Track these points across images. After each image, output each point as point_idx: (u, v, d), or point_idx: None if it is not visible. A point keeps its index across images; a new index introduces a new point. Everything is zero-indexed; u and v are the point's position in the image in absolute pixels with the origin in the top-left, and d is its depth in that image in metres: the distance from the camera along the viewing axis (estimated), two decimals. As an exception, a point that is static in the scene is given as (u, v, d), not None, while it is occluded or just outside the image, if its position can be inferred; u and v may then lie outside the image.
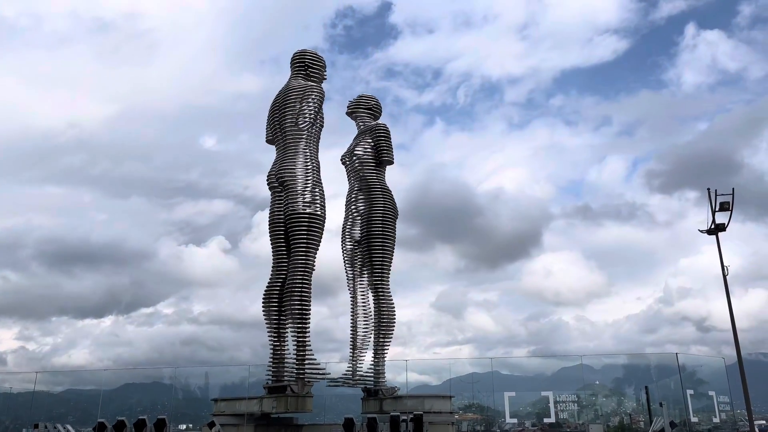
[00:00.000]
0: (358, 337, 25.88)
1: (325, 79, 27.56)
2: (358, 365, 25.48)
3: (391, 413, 20.83)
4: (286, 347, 24.22)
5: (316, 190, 24.51)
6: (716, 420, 21.46)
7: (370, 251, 26.45)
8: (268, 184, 25.81)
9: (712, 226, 32.70)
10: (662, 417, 21.09)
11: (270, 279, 25.04)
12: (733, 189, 32.84)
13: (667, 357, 22.62)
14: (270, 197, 25.80)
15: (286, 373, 23.44)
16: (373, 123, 28.45)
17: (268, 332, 24.70)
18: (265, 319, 24.75)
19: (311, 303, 23.79)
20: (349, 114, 29.24)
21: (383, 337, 25.63)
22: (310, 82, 26.32)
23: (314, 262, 24.41)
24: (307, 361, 23.30)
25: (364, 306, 26.22)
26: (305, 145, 25.13)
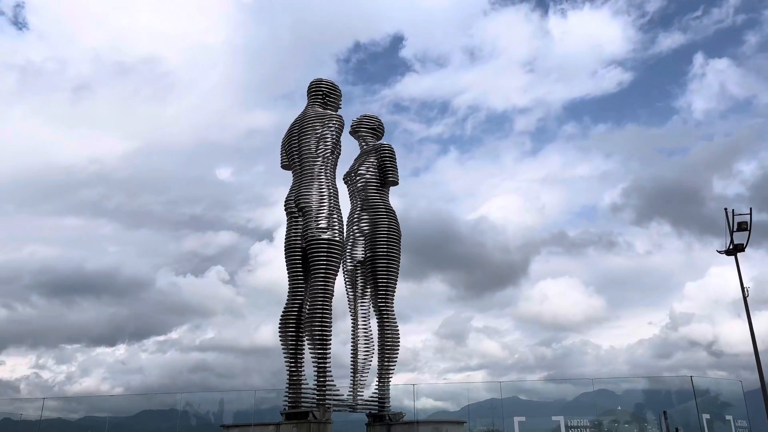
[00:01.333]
0: (359, 360, 25.69)
1: (341, 108, 28.17)
2: (359, 390, 25.29)
3: (400, 439, 20.64)
4: (303, 373, 24.38)
5: (335, 215, 24.69)
6: (735, 445, 20.83)
7: (375, 272, 26.35)
8: (285, 209, 26.13)
9: (731, 247, 32.17)
10: (679, 443, 20.55)
11: (286, 304, 25.23)
12: (750, 209, 32.36)
13: (684, 381, 22.08)
14: (286, 222, 26.12)
15: (304, 399, 23.55)
16: (378, 143, 28.61)
17: (285, 358, 24.71)
18: (282, 345, 24.87)
19: (332, 329, 23.93)
20: (351, 133, 29.29)
21: (388, 360, 25.39)
22: (328, 110, 26.83)
23: (333, 287, 24.58)
24: (327, 388, 23.36)
25: (365, 328, 26.09)
26: (324, 171, 25.39)
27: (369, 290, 26.84)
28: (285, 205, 26.17)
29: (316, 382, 23.32)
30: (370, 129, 29.13)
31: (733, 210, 32.04)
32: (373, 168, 27.65)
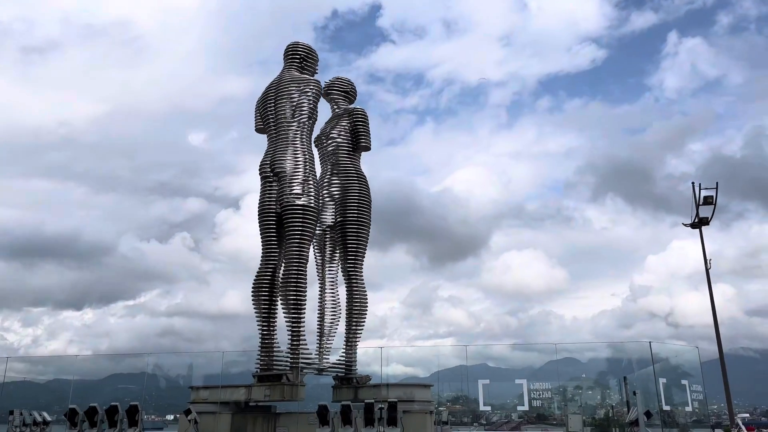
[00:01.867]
0: (325, 324, 25.89)
1: (317, 72, 27.70)
2: (325, 353, 25.56)
3: (366, 401, 20.95)
4: (275, 337, 24.56)
5: (310, 181, 24.73)
6: (689, 409, 21.56)
7: (345, 237, 26.33)
8: (260, 173, 25.88)
9: (696, 220, 32.76)
10: (637, 406, 21.19)
11: (259, 269, 25.21)
12: (717, 183, 32.90)
13: (643, 348, 22.65)
14: (261, 186, 25.90)
15: (276, 362, 23.74)
16: (351, 107, 28.27)
17: (257, 321, 24.93)
18: (255, 309, 24.95)
19: (306, 293, 24.21)
20: (323, 96, 28.56)
21: (355, 325, 25.65)
22: (305, 75, 26.52)
23: (308, 253, 24.76)
24: (300, 351, 23.70)
25: (332, 293, 26.25)
26: (300, 137, 25.29)
27: (338, 255, 26.87)
28: (260, 170, 25.91)
29: (289, 346, 23.52)
30: (342, 92, 28.71)
31: (700, 184, 32.55)
32: (345, 132, 27.30)
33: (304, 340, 24.17)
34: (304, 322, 24.15)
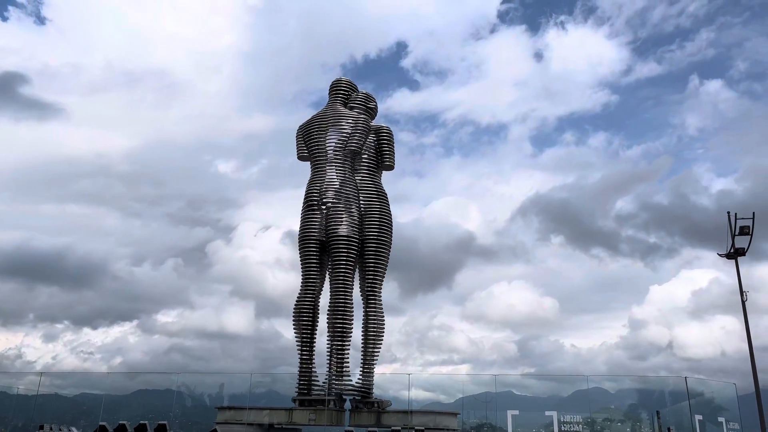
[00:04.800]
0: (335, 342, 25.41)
1: (370, 111, 29.03)
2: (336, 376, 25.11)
3: (392, 427, 20.71)
4: (314, 361, 25.08)
5: (354, 213, 25.86)
6: (726, 447, 20.83)
7: (365, 257, 25.98)
8: (306, 201, 26.61)
9: (732, 250, 32.04)
10: (671, 442, 20.58)
11: (300, 295, 25.96)
12: (753, 213, 32.22)
13: (678, 381, 22.07)
14: (303, 213, 26.68)
15: (319, 387, 24.62)
16: (376, 125, 28.35)
17: (297, 346, 25.57)
18: (296, 333, 25.67)
19: (353, 321, 25.20)
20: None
21: (372, 347, 25.23)
22: (354, 111, 27.70)
23: (353, 281, 25.65)
24: (344, 378, 24.52)
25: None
26: (351, 170, 26.47)
27: (356, 275, 26.56)
28: (307, 198, 26.69)
29: (336, 372, 24.15)
30: (365, 108, 28.77)
31: (736, 214, 31.88)
32: (369, 149, 27.17)
33: (348, 366, 24.69)
34: (348, 349, 24.79)
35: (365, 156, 27.08)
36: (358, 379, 25.07)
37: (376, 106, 29.02)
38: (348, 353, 24.77)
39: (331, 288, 25.38)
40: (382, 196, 26.90)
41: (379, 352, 25.49)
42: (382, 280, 26.20)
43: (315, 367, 25.30)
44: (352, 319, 25.10)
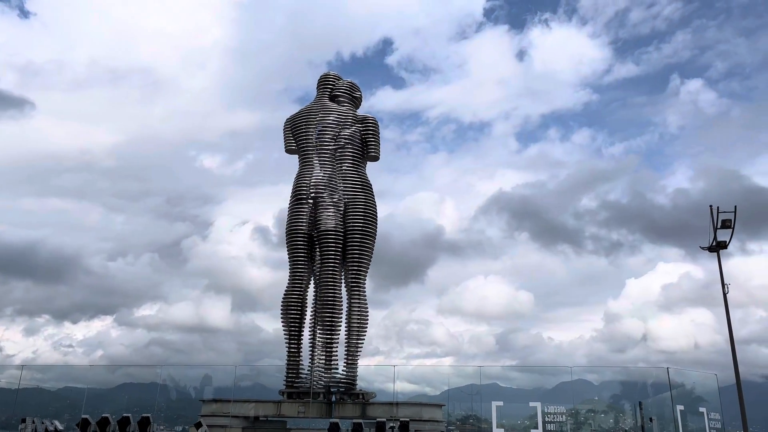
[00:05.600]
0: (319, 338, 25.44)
1: (355, 104, 29.11)
2: (317, 367, 25.18)
3: (378, 419, 20.75)
4: (301, 354, 25.15)
5: (341, 206, 26.06)
6: (706, 437, 21.11)
7: (349, 247, 25.85)
8: (294, 195, 26.57)
9: (714, 243, 32.38)
10: (653, 433, 20.81)
11: (288, 288, 26.10)
12: (735, 207, 32.56)
13: (660, 372, 22.32)
14: (290, 207, 26.70)
15: (307, 380, 24.78)
16: (361, 114, 28.21)
17: (285, 339, 25.76)
18: (284, 327, 25.83)
19: (342, 314, 25.49)
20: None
21: (356, 339, 25.27)
22: (343, 107, 27.82)
23: (341, 275, 25.96)
24: (333, 370, 24.76)
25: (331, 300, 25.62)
26: (338, 163, 26.46)
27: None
28: (295, 191, 26.63)
29: (325, 365, 24.48)
30: (350, 97, 28.64)
31: (718, 208, 32.20)
32: (355, 139, 27.02)
33: (336, 359, 24.93)
34: (337, 342, 25.02)
35: (350, 147, 26.88)
36: (343, 370, 25.11)
37: (361, 95, 28.87)
38: (337, 346, 24.93)
39: (320, 281, 25.44)
40: (366, 188, 26.77)
41: (363, 343, 25.54)
42: (366, 272, 26.15)
43: (302, 360, 25.36)
44: (341, 313, 25.18)
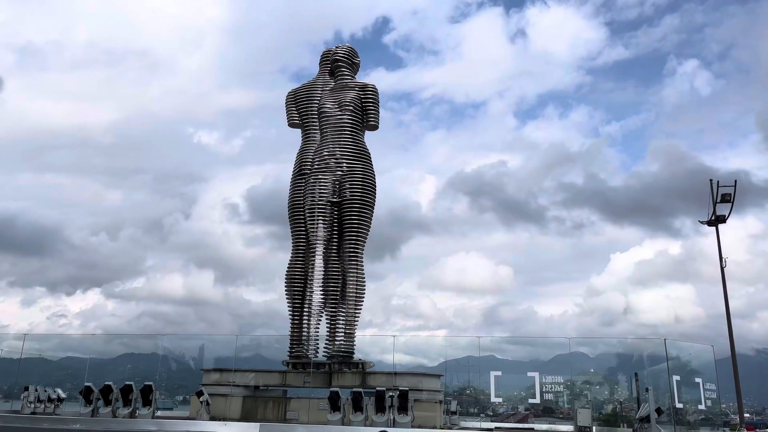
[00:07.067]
0: (314, 305, 25.41)
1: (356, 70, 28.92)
2: (313, 335, 25.45)
3: (377, 388, 20.99)
4: (305, 325, 25.38)
5: (344, 178, 26.15)
6: (702, 407, 21.41)
7: (348, 216, 25.88)
8: (297, 168, 26.68)
9: (713, 217, 32.44)
10: (648, 403, 21.08)
11: (291, 262, 26.65)
12: (735, 181, 32.55)
13: (657, 345, 22.53)
14: (293, 181, 26.95)
15: (309, 350, 25.22)
16: (362, 82, 27.88)
17: (290, 311, 26.19)
18: (288, 299, 26.18)
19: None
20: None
21: (354, 309, 25.41)
22: (347, 77, 27.75)
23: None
24: (337, 341, 25.39)
25: (322, 271, 25.72)
26: (339, 135, 26.37)
27: (336, 233, 26.55)
28: (298, 165, 26.69)
29: (344, 337, 25.12)
30: (349, 63, 28.29)
31: (718, 182, 32.18)
32: (354, 107, 26.75)
33: (341, 330, 25.54)
34: (344, 314, 25.66)
35: (349, 115, 26.61)
36: (342, 340, 25.38)
37: (359, 61, 28.51)
38: (343, 318, 25.44)
39: (343, 254, 25.86)
40: (364, 156, 26.64)
41: (360, 313, 25.75)
42: (365, 242, 26.18)
43: (305, 331, 25.52)
44: (365, 285, 25.72)
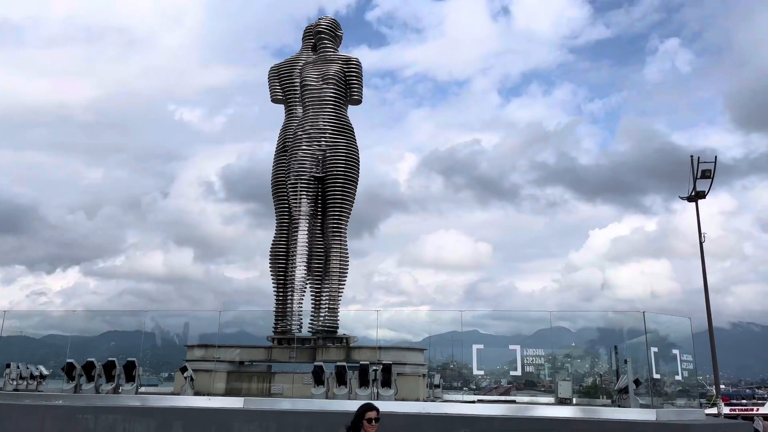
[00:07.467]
0: (297, 281, 25.47)
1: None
2: (297, 311, 25.52)
3: (361, 362, 21.17)
4: (289, 300, 25.56)
5: (326, 153, 25.98)
6: (678, 378, 21.89)
7: (332, 191, 25.79)
8: (280, 145, 26.58)
9: (693, 193, 32.88)
10: (627, 375, 21.50)
11: (275, 238, 26.81)
12: (716, 157, 32.94)
13: (636, 318, 22.88)
14: (276, 157, 27.00)
15: (298, 325, 25.30)
16: (345, 55, 27.55)
17: (274, 286, 26.39)
18: (272, 275, 26.46)
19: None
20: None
21: (338, 284, 25.60)
22: (330, 50, 27.29)
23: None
24: (321, 317, 25.45)
25: (305, 247, 25.62)
26: (321, 109, 25.99)
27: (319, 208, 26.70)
28: (281, 141, 26.55)
29: (327, 312, 25.15)
30: (332, 35, 27.93)
31: (699, 158, 32.56)
32: (337, 80, 26.37)
33: (325, 305, 25.62)
34: (327, 290, 25.74)
35: (332, 88, 26.33)
36: (326, 315, 25.49)
37: (342, 33, 28.12)
38: (327, 293, 25.56)
39: (326, 229, 25.90)
40: (348, 131, 26.45)
41: (343, 289, 25.90)
42: (348, 217, 26.18)
43: (289, 306, 25.59)
44: (348, 261, 25.77)
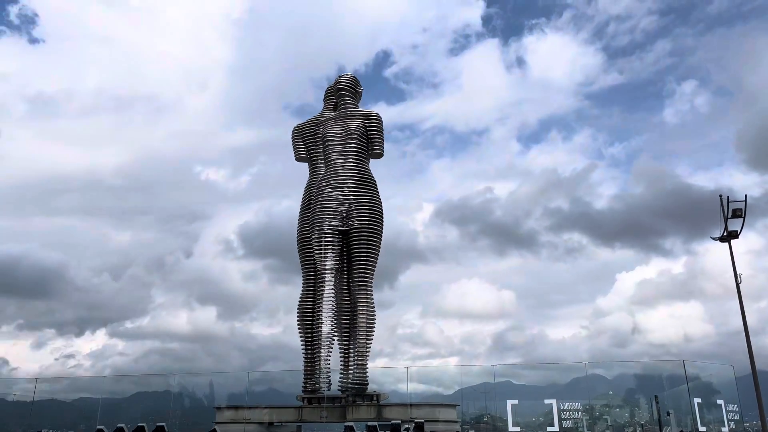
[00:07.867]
0: (324, 337, 25.05)
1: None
2: (325, 368, 24.94)
3: (392, 421, 20.67)
4: (317, 357, 25.01)
5: (350, 207, 26.06)
6: (725, 429, 20.89)
7: (357, 245, 25.68)
8: (305, 203, 26.79)
9: (725, 233, 32.11)
10: (671, 427, 20.64)
11: (302, 295, 26.57)
12: (746, 195, 32.27)
13: (676, 366, 22.13)
14: (301, 215, 27.32)
15: (323, 383, 24.68)
16: (366, 110, 27.89)
17: (302, 345, 25.94)
18: (300, 333, 26.10)
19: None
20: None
21: (365, 340, 24.99)
22: (351, 106, 27.89)
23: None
24: (350, 373, 24.88)
25: (331, 302, 25.31)
26: (344, 164, 26.33)
27: (345, 263, 26.45)
28: (305, 198, 26.84)
29: (355, 369, 24.48)
30: (352, 92, 28.40)
31: (728, 197, 31.91)
32: (359, 135, 26.74)
33: (354, 362, 25.01)
34: (355, 345, 25.13)
35: (354, 143, 26.62)
36: (355, 372, 24.96)
37: (362, 90, 28.73)
38: (355, 349, 25.07)
39: (352, 284, 25.71)
40: (370, 184, 26.50)
41: (371, 344, 25.40)
42: (374, 271, 25.90)
43: (317, 364, 25.13)
44: (375, 315, 25.32)
